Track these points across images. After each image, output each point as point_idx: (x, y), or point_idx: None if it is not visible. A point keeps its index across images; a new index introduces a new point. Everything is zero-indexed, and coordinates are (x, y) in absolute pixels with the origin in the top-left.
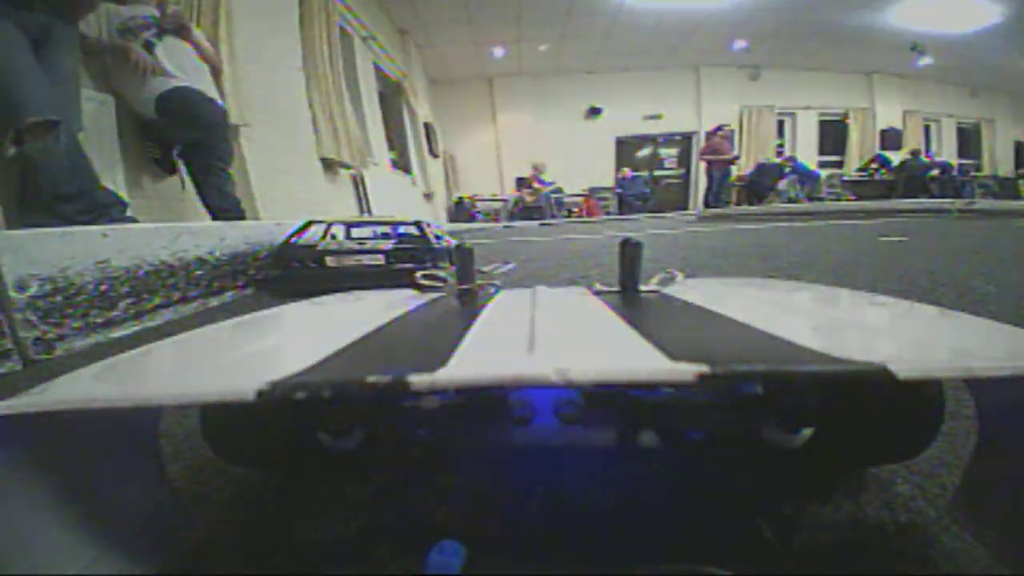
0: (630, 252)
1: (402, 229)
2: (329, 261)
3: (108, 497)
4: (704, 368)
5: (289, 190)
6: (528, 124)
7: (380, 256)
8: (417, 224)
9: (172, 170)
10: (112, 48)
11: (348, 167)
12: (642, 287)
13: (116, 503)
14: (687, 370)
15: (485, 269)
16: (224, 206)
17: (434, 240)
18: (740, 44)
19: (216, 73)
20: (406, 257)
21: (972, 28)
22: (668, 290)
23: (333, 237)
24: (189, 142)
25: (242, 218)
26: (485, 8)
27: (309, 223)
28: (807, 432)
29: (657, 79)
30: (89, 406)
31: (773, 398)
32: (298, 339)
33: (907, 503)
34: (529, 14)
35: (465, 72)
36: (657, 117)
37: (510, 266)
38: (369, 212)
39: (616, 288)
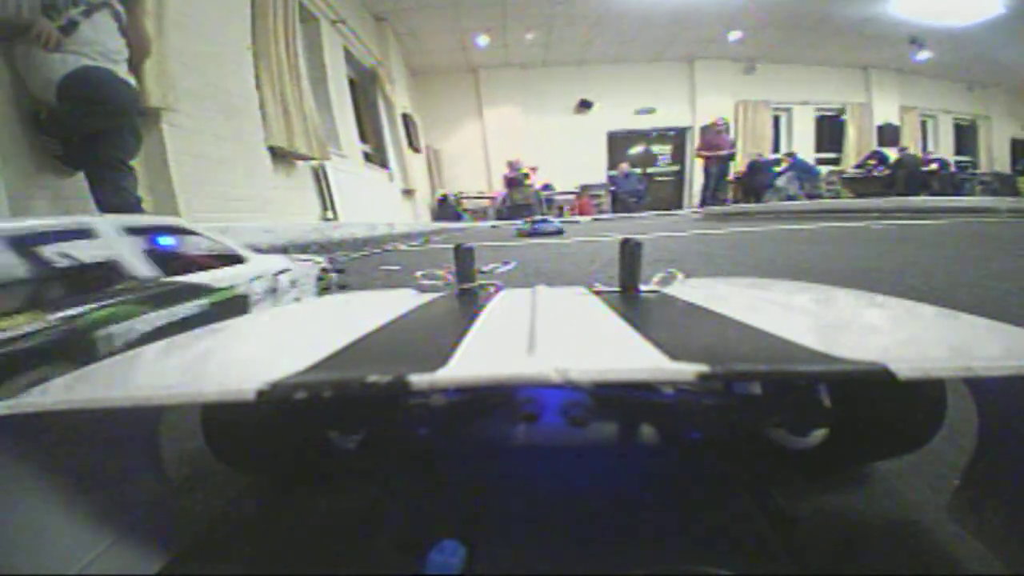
0: (630, 252)
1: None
2: None
3: (108, 497)
4: (704, 368)
5: (224, 185)
6: (516, 117)
7: None
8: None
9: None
10: (21, 25)
11: (306, 158)
12: (642, 287)
13: (116, 503)
14: (687, 370)
15: (485, 269)
16: (120, 205)
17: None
18: (736, 35)
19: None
20: None
21: (972, 21)
22: (668, 290)
23: None
24: (94, 131)
25: None
26: None
27: None
28: (817, 433)
29: (650, 71)
30: (89, 406)
31: (774, 398)
32: (298, 339)
33: (906, 503)
34: None
35: (448, 62)
36: (650, 111)
37: (510, 266)
38: (334, 210)
39: (616, 288)
